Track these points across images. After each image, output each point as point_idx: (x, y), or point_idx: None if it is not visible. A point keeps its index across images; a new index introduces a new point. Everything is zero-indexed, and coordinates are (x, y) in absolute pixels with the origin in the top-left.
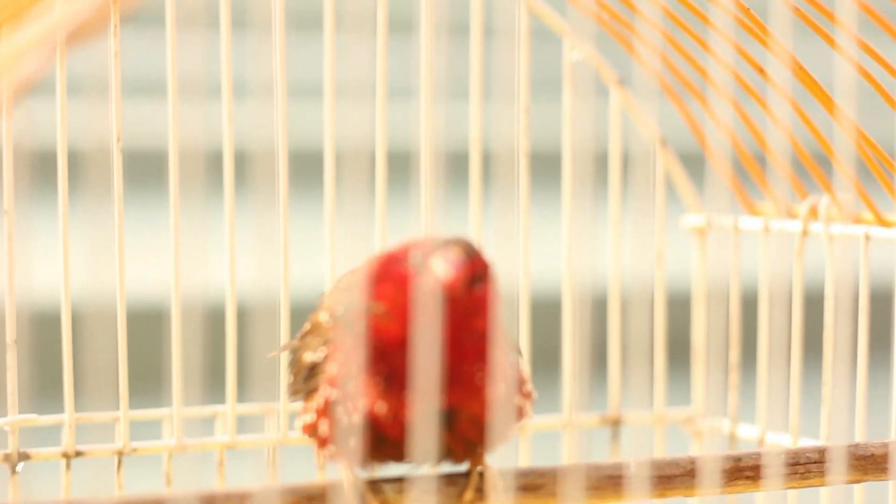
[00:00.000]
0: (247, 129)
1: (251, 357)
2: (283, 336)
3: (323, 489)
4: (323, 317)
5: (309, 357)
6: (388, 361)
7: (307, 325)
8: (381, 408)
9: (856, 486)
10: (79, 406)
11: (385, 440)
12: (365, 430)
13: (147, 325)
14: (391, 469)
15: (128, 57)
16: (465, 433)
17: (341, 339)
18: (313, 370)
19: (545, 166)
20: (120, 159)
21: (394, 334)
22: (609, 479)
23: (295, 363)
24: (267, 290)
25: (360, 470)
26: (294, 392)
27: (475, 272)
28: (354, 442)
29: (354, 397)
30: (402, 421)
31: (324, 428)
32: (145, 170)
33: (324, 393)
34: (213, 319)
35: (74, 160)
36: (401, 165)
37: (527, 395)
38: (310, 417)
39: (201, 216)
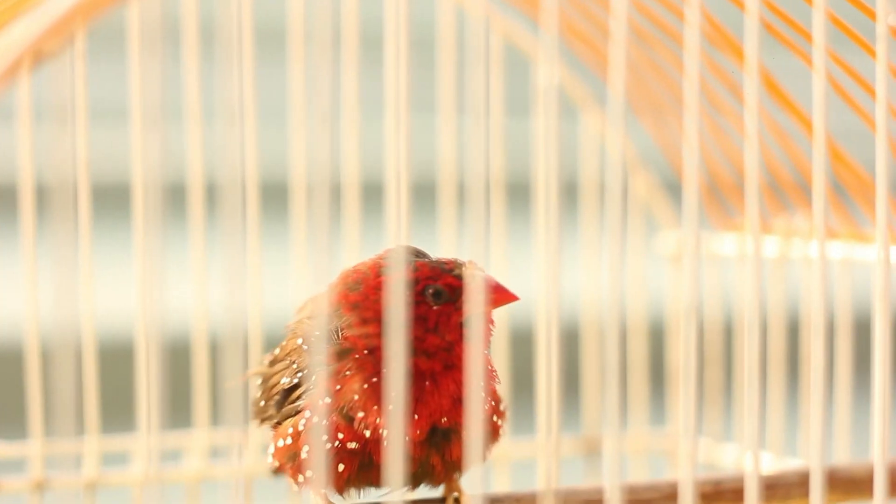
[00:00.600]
0: (214, 155)
1: (221, 386)
2: (252, 364)
3: None
4: (295, 342)
5: (285, 382)
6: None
7: (277, 351)
8: (377, 429)
9: None
10: (47, 437)
11: (371, 464)
12: (352, 454)
13: (116, 356)
14: (364, 495)
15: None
16: (453, 455)
17: (329, 361)
18: (289, 395)
19: (516, 189)
20: (86, 187)
21: (380, 351)
22: None
23: (267, 389)
24: (235, 318)
25: (335, 496)
26: (265, 418)
27: (431, 277)
28: (341, 467)
29: (346, 420)
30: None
31: (302, 453)
32: (109, 199)
33: (304, 417)
34: (182, 349)
35: (38, 189)
36: (370, 191)
37: (502, 415)
38: (285, 442)
39: (166, 245)
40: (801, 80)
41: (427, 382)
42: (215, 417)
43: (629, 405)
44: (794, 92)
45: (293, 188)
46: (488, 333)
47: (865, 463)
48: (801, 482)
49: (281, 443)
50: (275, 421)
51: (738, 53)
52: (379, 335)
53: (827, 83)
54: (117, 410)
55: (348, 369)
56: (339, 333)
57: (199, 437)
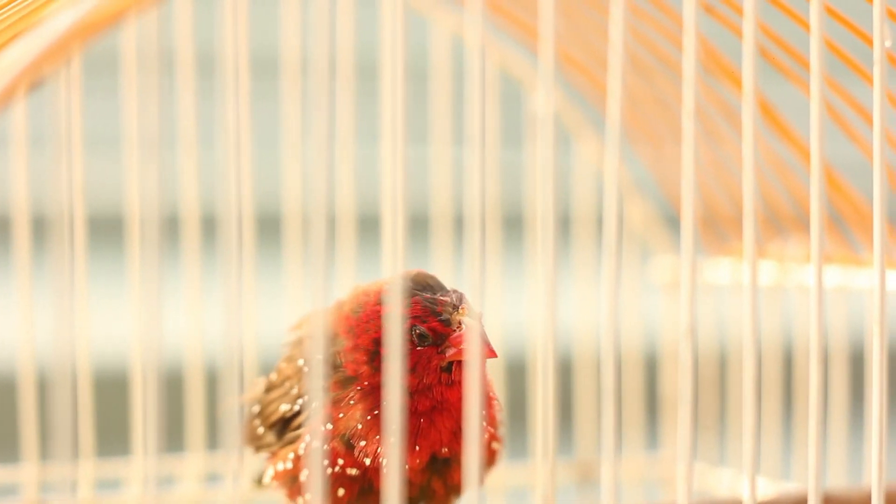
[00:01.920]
0: (208, 184)
1: (216, 411)
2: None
3: None
4: (294, 366)
5: (284, 409)
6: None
7: (273, 377)
8: (377, 458)
9: None
10: (42, 461)
11: (371, 489)
12: (352, 480)
13: (110, 382)
14: None
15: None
16: (454, 479)
17: (332, 389)
18: (289, 422)
19: (509, 218)
20: (82, 215)
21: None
22: None
23: (265, 416)
24: (232, 345)
25: None
26: (262, 446)
27: (418, 317)
28: (341, 492)
29: (346, 446)
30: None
31: (301, 476)
32: (104, 227)
33: (304, 441)
34: (176, 374)
35: (34, 217)
36: (366, 221)
37: (500, 440)
38: (285, 466)
39: (162, 273)
40: (800, 110)
41: (421, 420)
42: (210, 442)
43: (623, 432)
44: (791, 122)
45: (287, 217)
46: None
47: (861, 487)
48: None
49: (280, 466)
50: (273, 448)
51: (736, 82)
52: (366, 363)
53: (823, 107)
54: (111, 436)
55: (351, 398)
56: (340, 359)
57: (193, 461)
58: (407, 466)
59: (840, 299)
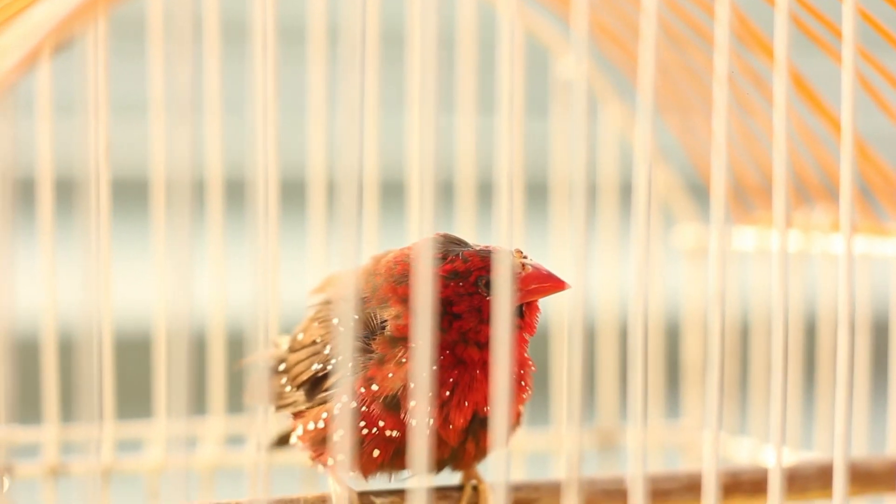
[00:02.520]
0: (236, 148)
1: (237, 373)
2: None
3: (314, 502)
4: (322, 325)
5: (316, 368)
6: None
7: (300, 336)
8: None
9: (854, 501)
10: (62, 422)
11: (405, 450)
12: (388, 441)
13: (136, 347)
14: (394, 478)
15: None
16: (485, 442)
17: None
18: (320, 382)
19: (535, 184)
20: (107, 178)
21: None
22: (604, 494)
23: (292, 376)
24: (257, 308)
25: (361, 480)
26: (288, 404)
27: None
28: (376, 452)
29: (390, 407)
30: (446, 429)
31: (335, 436)
32: (132, 191)
33: (339, 401)
34: (197, 337)
35: (60, 181)
36: (392, 187)
37: (524, 401)
38: (316, 426)
39: (188, 236)
40: (832, 82)
41: (478, 372)
42: (231, 405)
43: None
44: (823, 94)
45: (313, 183)
46: (535, 320)
47: (884, 457)
48: (819, 475)
49: (311, 426)
50: (301, 408)
51: (768, 52)
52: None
53: (856, 77)
54: (131, 399)
55: (404, 357)
56: (384, 323)
57: (214, 424)
58: (451, 426)
59: (864, 267)
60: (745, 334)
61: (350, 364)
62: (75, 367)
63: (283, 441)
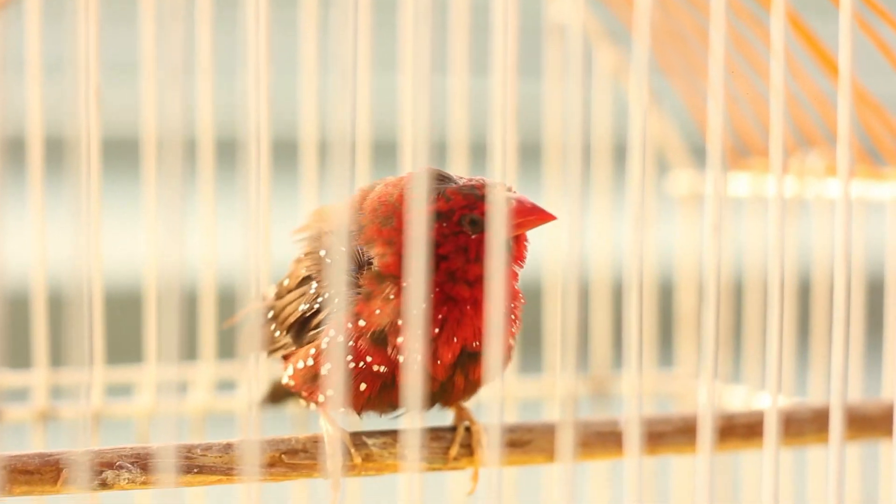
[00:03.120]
0: (227, 107)
1: (228, 324)
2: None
3: (306, 443)
4: (312, 262)
5: (303, 308)
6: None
7: (286, 282)
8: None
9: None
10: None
11: (393, 385)
12: (375, 376)
13: (126, 301)
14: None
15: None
16: (476, 374)
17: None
18: (308, 322)
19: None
20: (97, 135)
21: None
22: (598, 436)
23: (280, 320)
24: (249, 265)
25: (352, 416)
26: (278, 348)
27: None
28: (363, 386)
29: (377, 342)
30: (434, 364)
31: (322, 371)
32: (122, 150)
33: (327, 336)
34: (189, 285)
35: (50, 139)
36: (384, 146)
37: (514, 335)
38: (305, 363)
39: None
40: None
41: (468, 307)
42: (221, 351)
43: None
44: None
45: (304, 143)
46: (524, 251)
47: (880, 401)
48: (814, 419)
49: (301, 364)
50: (292, 349)
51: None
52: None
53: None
54: (121, 349)
55: (390, 293)
56: (370, 259)
57: (204, 370)
58: (440, 362)
59: (859, 211)
60: (738, 281)
61: (339, 298)
62: (65, 315)
63: (275, 397)
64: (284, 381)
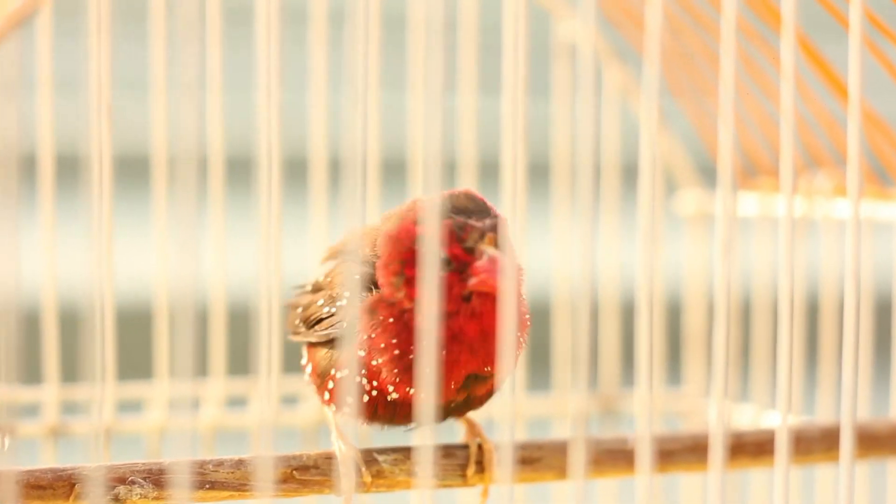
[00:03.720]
0: (238, 126)
1: (237, 335)
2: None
3: (317, 459)
4: (325, 280)
5: (321, 305)
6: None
7: (322, 279)
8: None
9: (857, 464)
10: (63, 382)
11: (397, 406)
12: (388, 402)
13: (138, 318)
14: (384, 435)
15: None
16: (483, 392)
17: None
18: (320, 322)
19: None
20: (109, 153)
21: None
22: (608, 454)
23: (307, 316)
24: (262, 282)
25: (358, 432)
26: (298, 333)
27: (443, 242)
28: (377, 409)
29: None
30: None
31: (329, 384)
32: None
33: (342, 371)
34: (203, 307)
35: (62, 157)
36: (395, 166)
37: (525, 329)
38: (321, 374)
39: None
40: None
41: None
42: (233, 367)
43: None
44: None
45: (315, 162)
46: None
47: (888, 420)
48: (823, 437)
49: (319, 370)
50: (306, 341)
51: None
52: (392, 284)
53: (862, 39)
54: (133, 365)
55: (402, 321)
56: (384, 287)
57: (216, 386)
58: (443, 391)
59: (867, 231)
60: (745, 299)
61: (352, 323)
62: (77, 331)
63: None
64: (305, 378)
